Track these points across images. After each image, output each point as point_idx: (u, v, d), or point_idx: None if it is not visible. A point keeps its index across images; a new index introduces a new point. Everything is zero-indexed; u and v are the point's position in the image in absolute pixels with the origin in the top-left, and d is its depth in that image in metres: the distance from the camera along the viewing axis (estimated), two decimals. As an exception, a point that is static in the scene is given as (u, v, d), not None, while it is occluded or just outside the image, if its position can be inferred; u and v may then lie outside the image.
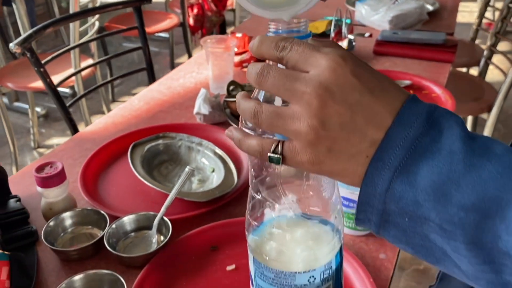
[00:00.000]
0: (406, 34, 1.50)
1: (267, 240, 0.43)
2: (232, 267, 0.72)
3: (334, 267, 0.43)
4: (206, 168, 0.94)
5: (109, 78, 1.73)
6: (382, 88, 0.37)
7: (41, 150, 2.62)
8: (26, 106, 2.68)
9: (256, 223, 0.44)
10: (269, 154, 0.38)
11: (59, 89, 1.40)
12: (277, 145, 0.38)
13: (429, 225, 0.35)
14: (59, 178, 0.76)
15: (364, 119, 0.35)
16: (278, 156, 0.37)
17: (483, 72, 2.30)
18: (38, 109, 2.81)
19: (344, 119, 0.35)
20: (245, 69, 1.38)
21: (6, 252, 0.59)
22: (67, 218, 0.77)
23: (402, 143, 0.34)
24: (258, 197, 0.43)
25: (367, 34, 1.63)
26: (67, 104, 1.41)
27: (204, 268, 0.72)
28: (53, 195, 0.77)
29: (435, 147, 0.34)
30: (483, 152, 0.34)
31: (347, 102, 0.35)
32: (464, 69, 2.60)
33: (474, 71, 2.59)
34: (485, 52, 2.26)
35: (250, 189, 0.44)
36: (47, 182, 0.75)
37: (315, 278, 0.42)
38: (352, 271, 0.69)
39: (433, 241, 0.36)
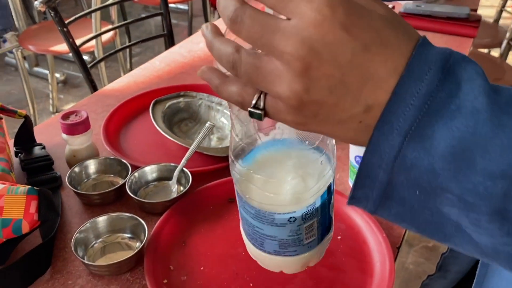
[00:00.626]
0: (429, 7, 1.48)
1: (246, 182, 0.43)
2: (249, 218, 0.74)
3: (317, 205, 0.43)
4: (225, 127, 0.96)
5: (128, 44, 1.74)
6: (381, 41, 0.30)
7: (59, 115, 2.66)
8: (46, 71, 2.71)
9: (239, 161, 0.43)
10: (249, 109, 0.33)
11: (81, 49, 1.42)
12: (259, 97, 0.33)
13: (445, 197, 0.30)
14: (84, 126, 0.79)
15: (358, 81, 0.30)
16: (260, 112, 0.33)
17: (504, 54, 2.26)
18: (57, 75, 2.85)
19: (332, 82, 0.30)
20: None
21: (35, 188, 0.62)
22: (91, 165, 0.80)
23: (412, 102, 0.29)
24: (239, 126, 0.42)
25: (390, 6, 1.61)
26: (88, 66, 1.44)
27: (221, 217, 0.74)
28: (78, 142, 0.80)
29: (453, 104, 0.29)
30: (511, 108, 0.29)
31: (337, 63, 0.30)
32: (485, 50, 2.56)
33: (495, 53, 2.55)
34: (508, 34, 2.22)
35: (232, 118, 0.42)
36: (72, 129, 0.78)
37: (295, 219, 0.43)
38: (365, 226, 0.71)
39: (446, 216, 0.32)
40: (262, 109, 0.33)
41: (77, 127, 0.78)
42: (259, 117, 0.33)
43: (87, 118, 0.79)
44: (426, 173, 0.30)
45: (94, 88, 1.45)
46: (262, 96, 0.33)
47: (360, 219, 0.72)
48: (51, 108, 2.66)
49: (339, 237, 0.70)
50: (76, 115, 0.79)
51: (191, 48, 1.33)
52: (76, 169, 0.78)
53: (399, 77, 0.30)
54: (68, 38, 1.34)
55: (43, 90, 2.85)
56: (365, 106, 0.31)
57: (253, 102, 0.33)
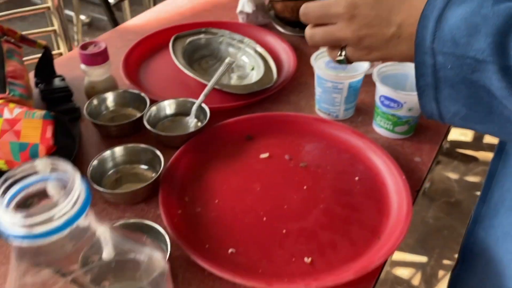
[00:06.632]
0: None
1: None
2: (266, 155, 0.72)
3: None
4: (246, 66, 0.93)
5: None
6: None
7: (84, 57, 2.66)
8: (71, 13, 2.69)
9: None
10: (337, 58, 0.54)
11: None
12: (340, 52, 0.53)
13: (471, 65, 0.41)
14: (102, 57, 0.77)
15: (385, 11, 0.48)
16: (343, 58, 0.54)
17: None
18: (82, 17, 2.83)
19: (369, 19, 0.49)
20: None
21: (51, 113, 0.61)
22: (109, 97, 0.79)
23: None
24: None
25: None
26: (112, 3, 1.41)
27: (238, 154, 0.73)
28: (96, 74, 0.79)
29: None
30: None
31: (369, 6, 0.48)
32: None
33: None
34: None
35: None
36: (91, 60, 0.77)
37: None
38: (385, 168, 0.69)
39: (481, 88, 0.42)
40: (345, 55, 0.53)
41: (96, 58, 0.77)
42: (345, 62, 0.54)
43: (106, 49, 0.78)
44: (450, 42, 0.42)
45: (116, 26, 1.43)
46: (343, 50, 0.53)
47: (380, 161, 0.70)
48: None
49: (356, 178, 0.69)
50: (95, 46, 0.78)
51: (215, -14, 1.29)
52: (95, 101, 0.78)
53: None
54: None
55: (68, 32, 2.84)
56: (396, 25, 0.48)
57: (338, 54, 0.54)
